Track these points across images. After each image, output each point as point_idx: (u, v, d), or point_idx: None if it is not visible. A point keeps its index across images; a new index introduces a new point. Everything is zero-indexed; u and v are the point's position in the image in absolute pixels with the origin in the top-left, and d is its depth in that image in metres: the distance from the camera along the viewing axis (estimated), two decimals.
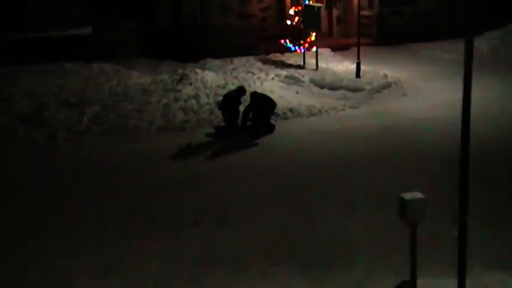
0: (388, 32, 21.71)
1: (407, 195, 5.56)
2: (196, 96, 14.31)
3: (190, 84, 15.07)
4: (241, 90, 12.57)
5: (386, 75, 16.88)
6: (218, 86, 15.20)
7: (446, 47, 20.12)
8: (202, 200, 8.60)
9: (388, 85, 16.23)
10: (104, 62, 17.53)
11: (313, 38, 18.57)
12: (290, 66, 18.09)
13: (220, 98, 14.06)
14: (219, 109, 12.50)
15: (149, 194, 9.01)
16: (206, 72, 16.12)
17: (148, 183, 9.43)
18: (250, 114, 12.18)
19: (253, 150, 11.11)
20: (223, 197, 8.69)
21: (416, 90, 15.65)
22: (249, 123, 12.16)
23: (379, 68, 17.68)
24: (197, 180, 9.50)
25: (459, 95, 5.03)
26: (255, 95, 12.48)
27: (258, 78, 16.43)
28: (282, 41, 19.73)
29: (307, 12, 17.82)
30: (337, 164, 10.00)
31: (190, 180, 9.49)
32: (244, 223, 7.81)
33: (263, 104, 12.28)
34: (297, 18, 18.94)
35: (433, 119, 12.68)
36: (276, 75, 16.72)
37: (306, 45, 18.55)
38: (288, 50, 19.52)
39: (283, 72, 17.00)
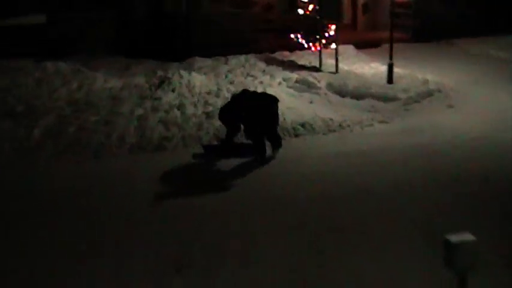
0: (430, 25, 21.92)
1: (454, 237, 5.57)
2: (180, 106, 14.42)
3: (173, 90, 15.19)
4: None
5: (427, 81, 17.04)
6: (209, 93, 15.31)
7: (507, 44, 20.36)
8: (188, 239, 8.63)
9: (429, 93, 16.36)
10: (61, 60, 17.71)
11: (332, 32, 18.79)
12: (302, 67, 18.26)
13: (211, 108, 14.19)
14: (220, 117, 12.36)
15: (118, 230, 9.05)
16: (193, 74, 16.26)
17: (117, 217, 9.47)
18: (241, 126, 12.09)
19: (252, 176, 11.15)
20: (213, 236, 8.72)
21: (466, 99, 15.79)
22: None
23: (417, 71, 17.86)
24: (180, 213, 9.55)
25: None
26: (245, 94, 12.35)
27: (261, 82, 16.56)
28: (292, 36, 19.96)
29: None
30: (360, 195, 10.04)
31: (171, 214, 9.53)
32: (238, 271, 7.83)
33: (261, 107, 11.96)
34: (311, 6, 19.19)
35: (487, 139, 12.78)
36: (284, 80, 16.86)
37: (323, 41, 18.75)
38: (300, 46, 19.75)
39: (294, 76, 17.15)
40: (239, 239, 8.57)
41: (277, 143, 12.16)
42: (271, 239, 8.55)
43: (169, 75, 15.90)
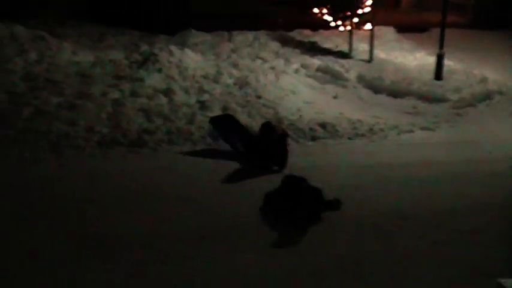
0: (496, 6, 21.86)
1: (508, 282, 5.63)
2: (167, 92, 14.43)
3: (160, 70, 15.21)
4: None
5: (486, 79, 17.07)
6: (205, 77, 15.35)
7: None
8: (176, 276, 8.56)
9: (488, 95, 16.39)
10: (17, 23, 17.67)
11: (367, 9, 18.76)
12: (327, 52, 18.32)
13: (207, 96, 14.19)
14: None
15: (74, 253, 8.89)
16: (187, 52, 16.29)
17: (74, 236, 9.32)
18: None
19: (256, 191, 11.06)
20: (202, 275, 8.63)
21: None
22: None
23: (474, 66, 17.90)
24: (157, 240, 9.38)
25: None
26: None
27: (273, 68, 16.61)
28: (316, 10, 19.93)
29: None
30: (394, 223, 9.98)
31: (146, 239, 9.35)
32: None
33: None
34: None
35: None
36: (303, 66, 16.91)
37: (355, 19, 18.74)
38: (325, 25, 19.72)
39: (315, 62, 17.19)
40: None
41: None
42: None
43: (156, 51, 15.93)
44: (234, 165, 11.93)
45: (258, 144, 12.10)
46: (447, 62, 17.08)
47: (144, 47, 16.49)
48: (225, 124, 12.70)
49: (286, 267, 8.44)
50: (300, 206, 9.84)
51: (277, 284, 8.04)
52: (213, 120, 12.85)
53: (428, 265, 8.76)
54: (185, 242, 9.00)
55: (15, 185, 10.77)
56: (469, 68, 17.65)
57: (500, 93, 16.54)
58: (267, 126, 12.43)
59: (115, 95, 14.12)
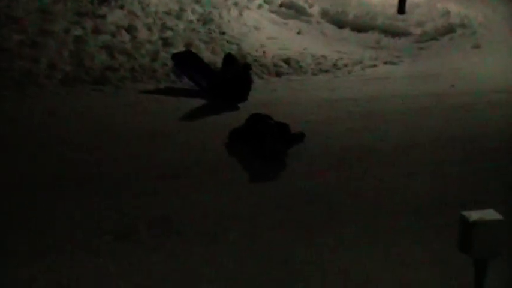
0: None
1: (474, 215, 5.60)
2: (130, 28, 14.31)
3: (122, 7, 15.03)
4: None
5: (448, 12, 17.10)
6: (168, 13, 15.21)
7: None
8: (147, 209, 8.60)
9: (450, 28, 16.45)
10: None
11: None
12: None
13: (170, 33, 14.10)
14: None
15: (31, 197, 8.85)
16: None
17: (37, 175, 9.29)
18: None
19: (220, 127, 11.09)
20: (170, 210, 8.67)
21: (498, 39, 15.93)
22: None
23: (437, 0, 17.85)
24: (124, 177, 9.37)
25: None
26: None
27: (235, 4, 16.45)
28: None
29: None
30: (357, 158, 10.07)
31: (113, 177, 9.34)
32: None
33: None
34: None
35: None
36: (266, 2, 16.80)
37: None
38: None
39: None
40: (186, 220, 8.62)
41: None
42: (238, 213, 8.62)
43: None
44: (198, 102, 11.97)
45: (220, 78, 12.10)
46: None
47: None
48: (187, 61, 12.67)
49: (251, 201, 8.53)
50: (265, 141, 9.91)
51: (244, 218, 8.12)
52: (175, 57, 12.81)
53: (393, 197, 8.89)
54: (152, 179, 9.02)
55: None
56: (432, 1, 17.62)
57: (463, 26, 16.60)
58: (230, 58, 12.44)
59: (77, 32, 13.93)
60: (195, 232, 7.82)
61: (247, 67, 12.25)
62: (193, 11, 15.36)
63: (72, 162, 9.50)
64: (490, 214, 5.61)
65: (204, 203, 8.47)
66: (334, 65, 13.99)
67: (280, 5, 16.66)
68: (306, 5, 16.65)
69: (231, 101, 11.79)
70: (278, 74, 13.47)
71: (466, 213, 5.59)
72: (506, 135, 10.89)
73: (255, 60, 13.67)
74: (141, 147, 10.06)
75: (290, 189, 8.90)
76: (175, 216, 8.10)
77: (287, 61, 13.80)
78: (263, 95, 12.20)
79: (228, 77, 11.93)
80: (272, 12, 16.37)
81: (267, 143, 9.73)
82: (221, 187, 8.89)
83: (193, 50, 13.62)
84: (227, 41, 14.43)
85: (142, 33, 14.15)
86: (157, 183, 8.93)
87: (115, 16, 14.59)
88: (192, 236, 7.75)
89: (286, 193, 8.77)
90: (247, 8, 16.24)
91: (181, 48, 13.75)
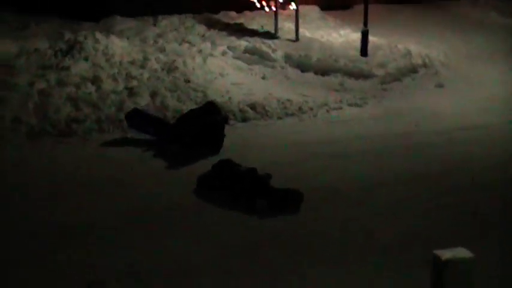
0: None
1: (446, 254, 5.70)
2: (95, 79, 14.36)
3: (86, 58, 15.10)
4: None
5: (410, 52, 17.37)
6: (132, 63, 15.30)
7: (506, 7, 20.87)
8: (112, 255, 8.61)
9: (412, 69, 16.70)
10: None
11: None
12: (253, 33, 18.34)
13: (135, 82, 14.20)
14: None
15: None
16: (113, 39, 16.21)
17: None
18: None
19: (188, 173, 11.19)
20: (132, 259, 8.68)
21: (460, 78, 16.19)
22: None
23: (398, 41, 18.15)
24: (91, 228, 9.37)
25: None
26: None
27: (200, 51, 16.60)
28: None
29: None
30: (323, 198, 10.18)
31: (79, 229, 9.33)
32: None
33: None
34: None
35: (486, 129, 13.22)
36: (230, 48, 16.93)
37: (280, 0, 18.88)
38: (250, 6, 19.77)
39: (242, 43, 17.24)
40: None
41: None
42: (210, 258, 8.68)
43: (81, 38, 15.79)
44: (164, 151, 11.97)
45: (183, 127, 12.15)
46: (372, 38, 17.29)
47: (69, 35, 16.30)
48: (138, 119, 12.61)
49: (220, 247, 8.63)
50: (235, 188, 10.03)
51: (213, 265, 8.20)
52: (128, 118, 12.70)
53: (360, 236, 8.99)
54: (119, 230, 9.08)
55: None
56: (393, 42, 17.90)
57: (425, 66, 16.86)
58: (211, 106, 12.52)
59: (41, 84, 13.96)
60: (165, 283, 7.89)
61: (224, 120, 12.37)
62: (157, 60, 15.48)
63: (36, 214, 9.50)
64: (462, 252, 5.76)
65: (172, 250, 8.53)
66: (300, 108, 14.10)
67: (244, 51, 16.84)
68: (269, 50, 16.85)
69: (203, 151, 11.87)
70: (244, 120, 13.57)
71: (438, 252, 5.72)
72: (468, 173, 11.04)
73: (221, 107, 13.75)
74: (108, 197, 10.10)
75: (257, 232, 9.02)
76: (144, 265, 8.15)
77: (253, 106, 13.90)
78: (230, 140, 12.27)
79: (200, 128, 12.01)
80: (236, 58, 16.53)
81: (258, 203, 9.76)
82: (190, 234, 8.97)
83: (159, 99, 13.73)
84: (192, 89, 14.47)
85: (107, 84, 14.19)
86: (125, 232, 8.99)
87: (79, 68, 14.66)
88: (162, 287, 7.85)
89: (253, 237, 8.89)
90: (212, 55, 16.40)
91: (147, 97, 13.83)
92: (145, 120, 12.58)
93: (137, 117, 12.59)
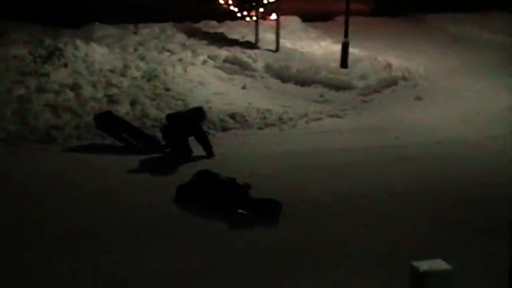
0: None
1: (424, 265, 5.76)
2: (74, 86, 14.38)
3: (66, 65, 15.12)
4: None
5: (390, 65, 17.50)
6: (112, 71, 15.33)
7: (487, 23, 21.08)
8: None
9: (392, 81, 16.83)
10: None
11: None
12: (234, 43, 18.43)
13: (115, 90, 14.22)
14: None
15: None
16: (93, 46, 16.23)
17: None
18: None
19: (168, 183, 11.18)
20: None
21: (439, 91, 16.30)
22: None
23: (379, 53, 18.29)
24: (72, 236, 9.34)
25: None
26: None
27: (180, 60, 16.64)
28: (222, 1, 20.04)
29: None
30: (303, 210, 10.19)
31: (59, 236, 9.29)
32: None
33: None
34: None
35: (465, 143, 13.29)
36: (210, 58, 17.00)
37: (261, 9, 18.94)
38: (231, 16, 19.84)
39: (222, 53, 17.31)
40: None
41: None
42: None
43: (61, 45, 15.81)
44: (143, 158, 12.06)
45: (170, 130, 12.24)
46: (352, 50, 17.43)
47: (48, 42, 16.33)
48: (111, 123, 12.69)
49: (203, 258, 8.64)
50: (215, 198, 10.06)
51: (196, 275, 8.22)
52: (97, 119, 12.79)
53: (340, 249, 9.01)
54: (100, 238, 9.07)
55: None
56: (373, 55, 18.05)
57: (405, 79, 17.01)
58: (200, 112, 12.58)
59: (20, 91, 13.97)
60: None
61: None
62: (137, 68, 15.52)
63: (16, 222, 9.48)
64: (440, 264, 5.82)
65: (156, 261, 8.54)
66: (280, 118, 14.17)
67: (225, 61, 16.91)
68: (250, 60, 16.92)
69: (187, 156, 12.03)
70: (224, 129, 13.61)
71: (416, 263, 5.78)
72: (448, 188, 11.12)
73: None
74: (89, 206, 10.08)
75: (238, 244, 9.04)
76: (129, 275, 8.15)
77: (233, 116, 13.95)
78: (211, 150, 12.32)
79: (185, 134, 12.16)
80: (217, 67, 16.59)
81: (237, 213, 9.74)
82: (171, 244, 8.98)
83: (139, 107, 13.76)
84: (172, 97, 14.53)
85: (87, 91, 14.21)
86: (109, 242, 8.98)
87: (59, 74, 14.67)
88: None
89: (235, 248, 8.91)
90: (192, 64, 16.45)
91: (126, 105, 13.86)
92: (118, 125, 12.64)
93: (109, 121, 12.64)
